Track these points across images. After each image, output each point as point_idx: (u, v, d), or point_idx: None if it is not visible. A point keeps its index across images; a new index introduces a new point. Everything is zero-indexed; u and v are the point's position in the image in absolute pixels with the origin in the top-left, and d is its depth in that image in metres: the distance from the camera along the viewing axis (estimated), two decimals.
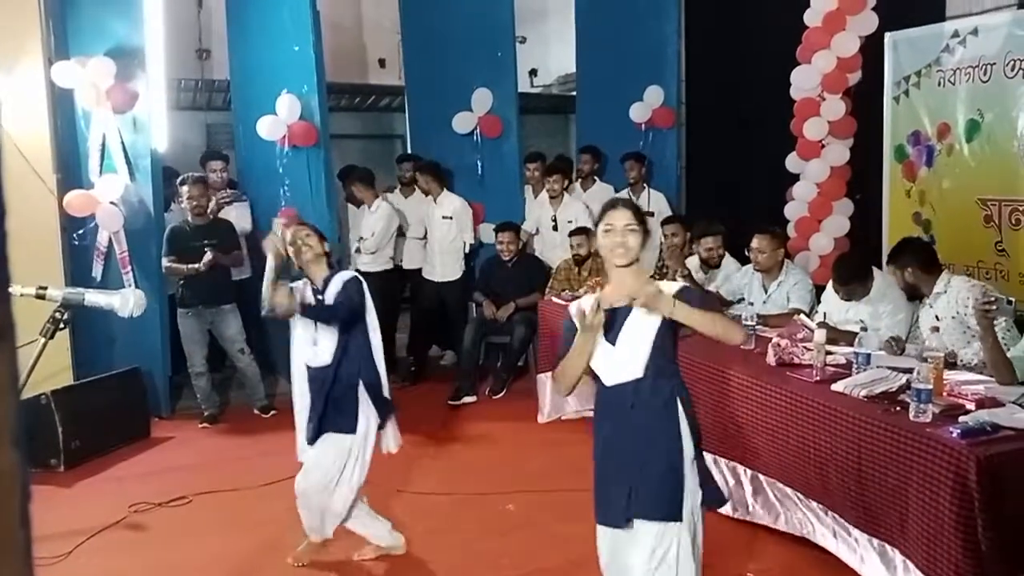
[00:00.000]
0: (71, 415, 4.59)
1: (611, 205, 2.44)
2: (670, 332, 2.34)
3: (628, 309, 2.33)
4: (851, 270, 4.00)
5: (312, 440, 3.27)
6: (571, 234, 5.74)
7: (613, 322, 2.34)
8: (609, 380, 2.37)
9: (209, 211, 5.38)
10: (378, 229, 6.02)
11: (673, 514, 2.29)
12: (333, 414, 3.24)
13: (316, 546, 3.43)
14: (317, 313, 3.27)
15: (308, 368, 3.29)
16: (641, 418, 2.32)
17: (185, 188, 5.21)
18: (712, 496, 2.40)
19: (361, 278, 3.37)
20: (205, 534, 3.67)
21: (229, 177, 5.93)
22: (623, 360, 2.34)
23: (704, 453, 2.42)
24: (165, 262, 5.15)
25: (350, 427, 3.25)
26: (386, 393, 3.37)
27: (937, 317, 3.60)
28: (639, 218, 2.39)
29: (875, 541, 2.81)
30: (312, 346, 3.28)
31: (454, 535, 3.65)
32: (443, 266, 6.26)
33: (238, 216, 5.73)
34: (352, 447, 3.26)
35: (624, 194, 6.57)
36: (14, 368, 0.37)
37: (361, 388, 3.26)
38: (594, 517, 2.45)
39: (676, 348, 2.40)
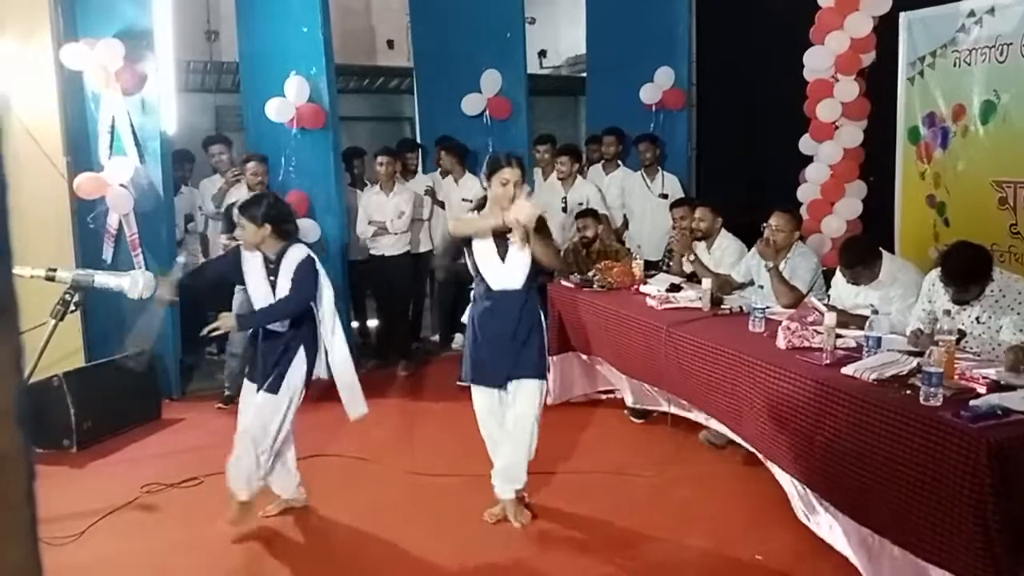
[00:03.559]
0: (83, 396, 4.63)
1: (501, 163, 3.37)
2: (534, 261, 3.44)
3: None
4: (857, 253, 3.92)
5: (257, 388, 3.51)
6: (577, 216, 5.71)
7: (503, 246, 3.41)
8: (496, 287, 3.47)
9: (219, 188, 5.41)
10: (407, 209, 6.01)
11: (543, 373, 3.59)
12: (269, 373, 3.46)
13: (247, 508, 3.54)
14: (267, 319, 3.47)
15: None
16: (517, 313, 3.46)
17: (250, 165, 5.35)
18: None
19: (314, 257, 3.50)
20: (217, 515, 3.69)
21: (232, 158, 5.93)
22: (509, 275, 3.45)
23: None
24: (223, 239, 5.18)
25: (274, 388, 3.45)
26: (322, 372, 3.58)
27: (978, 319, 3.35)
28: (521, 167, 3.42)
29: (864, 530, 2.80)
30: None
31: (464, 517, 3.67)
32: None
33: (247, 195, 5.74)
34: (278, 406, 3.46)
35: (638, 176, 6.55)
36: (17, 346, 0.37)
37: (298, 353, 3.48)
38: (467, 381, 3.62)
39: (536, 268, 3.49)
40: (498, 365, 3.51)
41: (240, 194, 5.67)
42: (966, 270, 3.27)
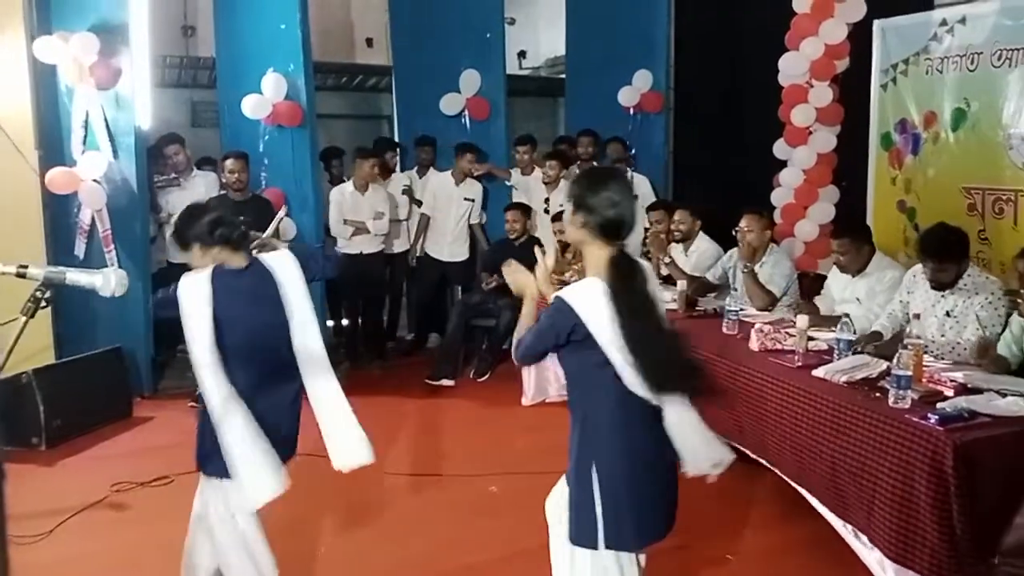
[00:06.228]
0: (53, 394, 4.56)
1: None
2: None
3: None
4: (850, 223, 4.22)
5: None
6: (553, 219, 5.73)
7: None
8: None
9: (180, 183, 5.46)
10: (386, 209, 6.00)
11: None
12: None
13: None
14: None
15: None
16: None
17: (228, 162, 5.29)
18: None
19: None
20: (187, 514, 3.65)
21: (188, 156, 5.83)
22: None
23: None
24: None
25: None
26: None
27: (948, 313, 3.48)
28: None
29: (848, 527, 2.85)
30: None
31: (440, 517, 3.67)
32: (452, 245, 6.34)
33: (206, 186, 5.68)
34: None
35: None
36: None
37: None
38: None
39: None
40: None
41: (175, 198, 5.64)
42: (943, 246, 3.47)
